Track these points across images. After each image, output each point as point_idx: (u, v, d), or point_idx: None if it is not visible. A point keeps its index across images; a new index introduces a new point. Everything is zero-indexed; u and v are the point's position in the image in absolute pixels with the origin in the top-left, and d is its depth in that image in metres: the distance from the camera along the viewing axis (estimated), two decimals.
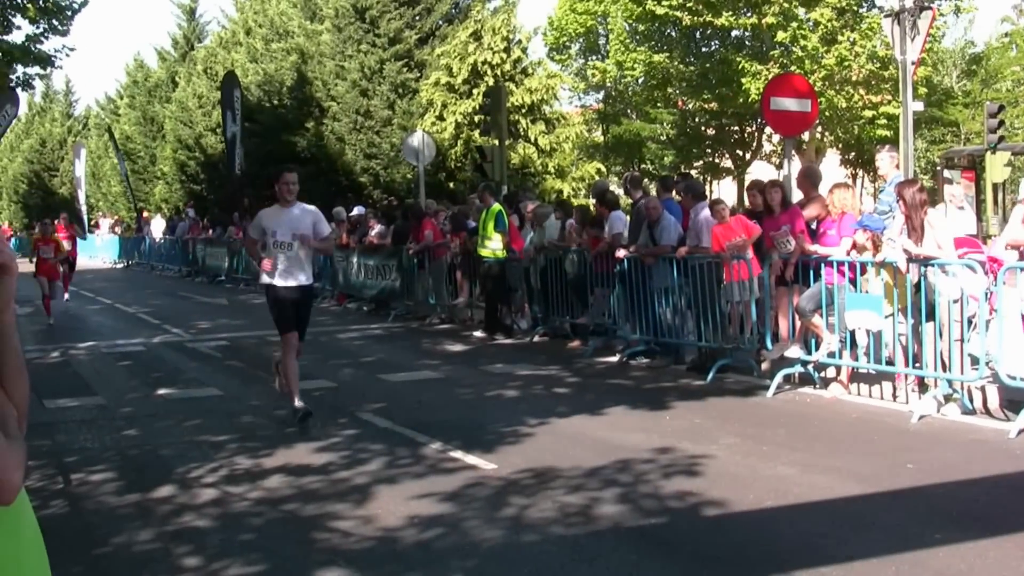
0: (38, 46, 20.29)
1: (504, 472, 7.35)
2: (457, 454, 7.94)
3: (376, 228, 20.42)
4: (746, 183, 19.14)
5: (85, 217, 43.18)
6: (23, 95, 32.50)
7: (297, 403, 9.35)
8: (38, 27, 20.27)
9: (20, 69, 20.82)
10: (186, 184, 44.96)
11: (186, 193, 44.40)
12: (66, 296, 22.56)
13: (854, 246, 9.88)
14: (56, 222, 23.85)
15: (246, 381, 12.03)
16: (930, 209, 9.39)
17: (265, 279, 9.56)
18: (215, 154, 41.29)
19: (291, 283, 9.51)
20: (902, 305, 9.35)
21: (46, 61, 20.75)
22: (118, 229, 43.17)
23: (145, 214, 43.52)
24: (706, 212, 11.97)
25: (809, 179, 11.51)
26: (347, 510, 6.51)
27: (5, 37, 20.19)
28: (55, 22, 20.36)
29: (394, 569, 5.44)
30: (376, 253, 19.51)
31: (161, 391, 11.34)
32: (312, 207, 9.94)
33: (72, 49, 22.47)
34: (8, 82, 20.38)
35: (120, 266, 40.96)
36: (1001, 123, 24.80)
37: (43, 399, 10.48)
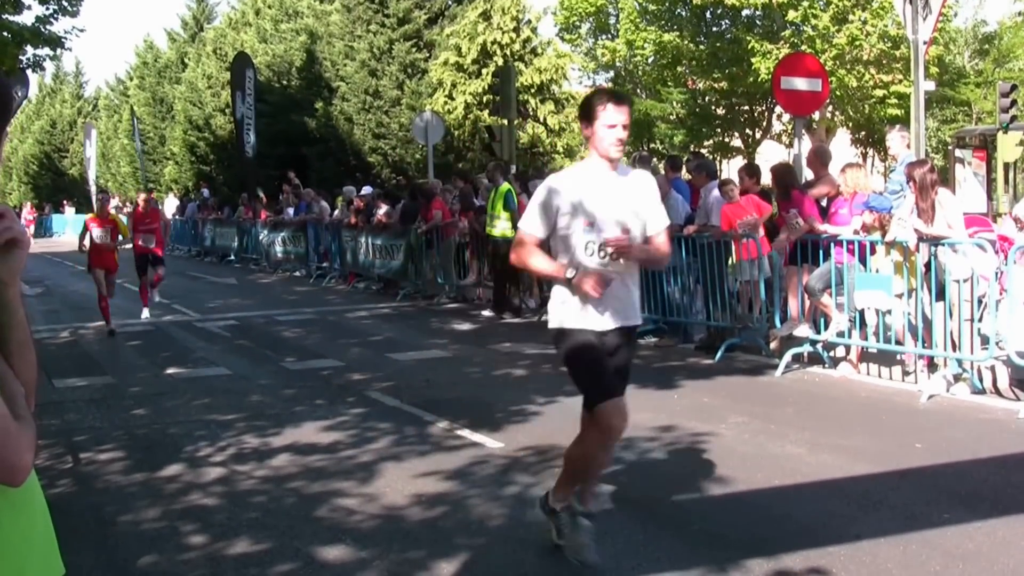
0: (48, 27, 20.20)
1: (511, 451, 7.36)
2: (464, 432, 7.94)
3: (383, 208, 20.40)
4: (755, 163, 18.95)
5: (94, 198, 43.24)
6: (33, 77, 32.53)
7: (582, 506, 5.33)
8: (48, 8, 20.18)
9: (30, 50, 20.75)
10: (196, 165, 44.94)
11: (196, 174, 44.41)
12: (157, 297, 17.65)
13: (863, 226, 9.84)
14: (135, 206, 18.43)
15: (254, 361, 12.06)
16: (940, 189, 9.33)
17: (566, 321, 5.13)
18: (224, 135, 41.28)
19: (618, 323, 5.04)
20: (912, 285, 9.31)
21: (56, 42, 20.67)
22: (127, 209, 43.13)
23: (154, 195, 43.42)
24: (717, 191, 11.93)
25: (819, 158, 11.51)
26: (353, 488, 6.52)
27: (15, 18, 20.12)
28: (65, 3, 20.28)
29: (400, 547, 5.44)
30: (384, 232, 19.49)
31: (170, 370, 11.36)
32: (647, 174, 5.36)
33: (82, 30, 22.41)
34: (18, 64, 20.34)
35: (129, 246, 40.97)
36: (1013, 102, 24.70)
37: (52, 378, 10.52)
